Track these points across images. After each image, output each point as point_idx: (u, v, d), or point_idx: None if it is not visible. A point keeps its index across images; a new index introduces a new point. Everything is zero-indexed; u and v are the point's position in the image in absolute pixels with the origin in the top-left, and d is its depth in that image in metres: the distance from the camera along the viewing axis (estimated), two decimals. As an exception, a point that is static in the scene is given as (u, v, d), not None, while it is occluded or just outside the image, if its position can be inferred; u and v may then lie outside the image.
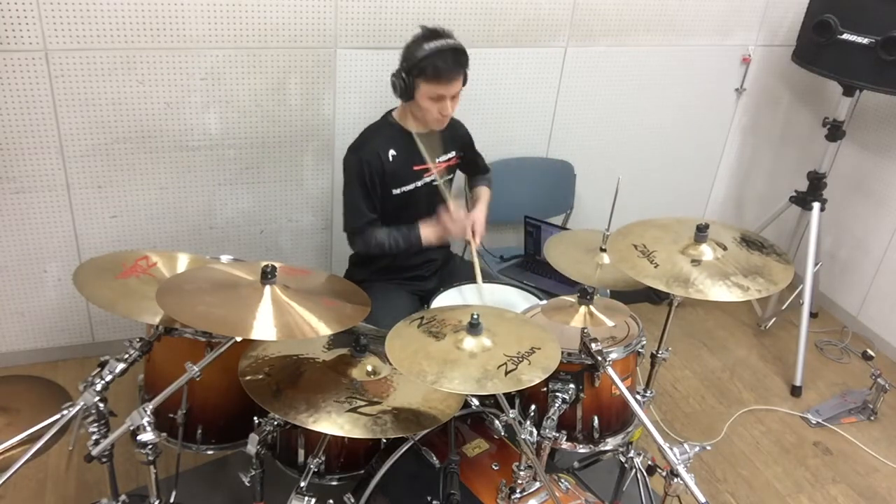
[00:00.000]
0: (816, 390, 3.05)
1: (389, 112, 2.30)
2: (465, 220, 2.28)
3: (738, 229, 1.94)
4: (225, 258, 2.09)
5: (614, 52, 3.00)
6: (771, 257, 1.82)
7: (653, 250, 1.79)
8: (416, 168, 2.27)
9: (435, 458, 1.76)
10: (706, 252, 1.78)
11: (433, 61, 2.05)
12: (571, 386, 1.78)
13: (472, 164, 2.55)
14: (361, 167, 2.19)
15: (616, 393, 1.84)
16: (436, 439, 1.81)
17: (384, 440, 1.83)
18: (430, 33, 2.11)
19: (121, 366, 1.66)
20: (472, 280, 2.30)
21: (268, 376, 1.69)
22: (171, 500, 1.93)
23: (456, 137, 2.40)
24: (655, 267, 1.73)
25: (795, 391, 3.00)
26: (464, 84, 2.18)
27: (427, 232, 2.27)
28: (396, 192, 2.26)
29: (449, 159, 2.37)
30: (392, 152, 2.22)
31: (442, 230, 2.26)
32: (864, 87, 2.75)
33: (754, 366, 3.17)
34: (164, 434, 1.78)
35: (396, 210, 2.29)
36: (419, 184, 2.29)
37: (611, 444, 1.91)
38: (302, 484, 1.66)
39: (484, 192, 2.53)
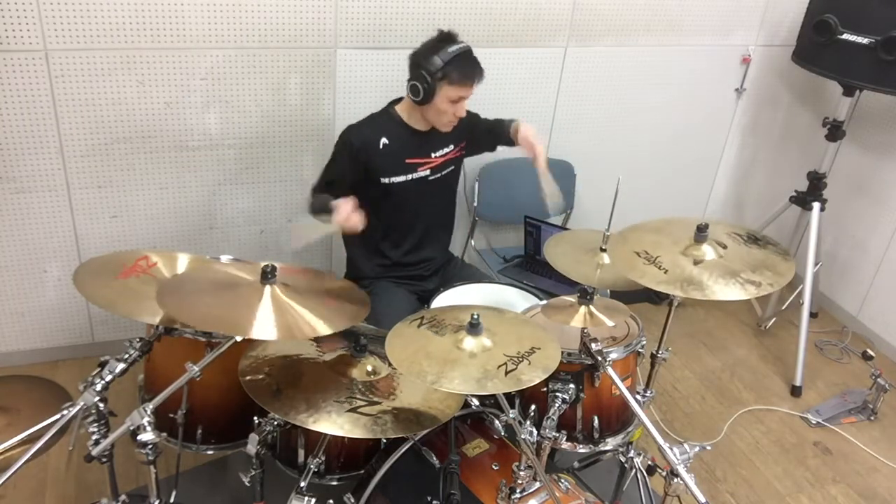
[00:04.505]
0: (816, 390, 3.05)
1: (392, 104, 2.30)
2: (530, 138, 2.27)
3: (729, 225, 1.93)
4: (225, 258, 2.09)
5: (614, 52, 3.00)
6: (768, 249, 1.82)
7: (656, 255, 1.78)
8: (408, 161, 2.27)
9: (435, 458, 1.76)
10: (708, 252, 1.78)
11: (459, 65, 2.07)
12: (571, 386, 1.78)
13: (492, 132, 2.42)
14: (347, 149, 2.21)
15: (616, 393, 1.84)
16: (436, 439, 1.81)
17: (384, 440, 1.83)
18: (449, 36, 2.12)
19: (121, 366, 1.66)
20: (471, 281, 2.30)
21: (268, 376, 1.69)
22: (171, 500, 1.93)
23: (457, 130, 2.39)
24: (665, 273, 1.72)
25: (795, 391, 3.00)
26: None
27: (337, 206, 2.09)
28: (385, 181, 2.25)
29: (446, 154, 2.35)
30: (384, 140, 2.22)
31: (338, 213, 2.04)
32: (864, 87, 2.75)
33: (754, 366, 3.17)
34: (164, 434, 1.78)
35: (387, 201, 2.28)
36: (410, 177, 2.28)
37: (611, 444, 1.91)
38: (302, 484, 1.66)
39: (521, 120, 2.39)
